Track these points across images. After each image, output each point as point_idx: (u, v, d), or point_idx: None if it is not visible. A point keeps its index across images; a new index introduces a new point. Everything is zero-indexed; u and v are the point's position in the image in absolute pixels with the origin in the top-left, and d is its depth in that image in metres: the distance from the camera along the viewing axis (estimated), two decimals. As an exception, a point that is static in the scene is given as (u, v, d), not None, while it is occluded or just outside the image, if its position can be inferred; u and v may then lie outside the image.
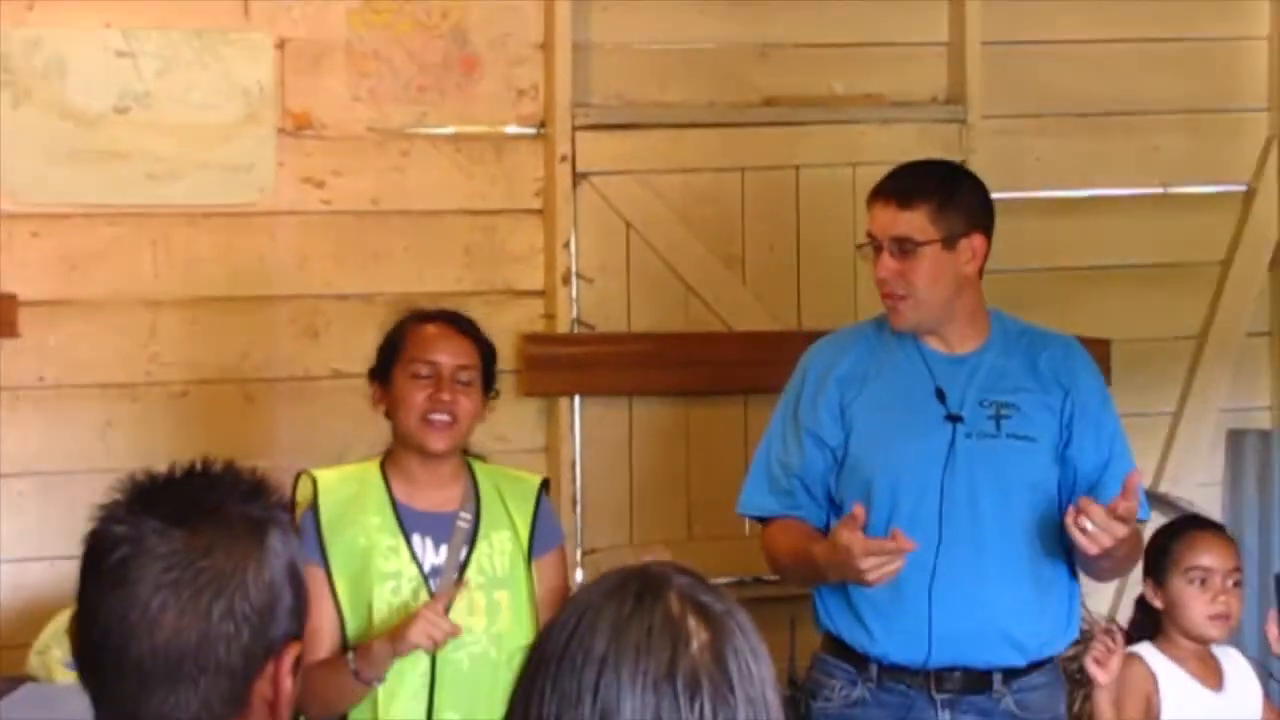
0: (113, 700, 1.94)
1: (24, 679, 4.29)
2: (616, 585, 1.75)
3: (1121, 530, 3.65)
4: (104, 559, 1.93)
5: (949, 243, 3.85)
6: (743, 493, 4.12)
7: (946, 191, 3.91)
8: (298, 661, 2.00)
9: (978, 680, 3.88)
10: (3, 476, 4.83)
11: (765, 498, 4.07)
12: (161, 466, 2.03)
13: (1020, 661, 3.89)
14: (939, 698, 3.87)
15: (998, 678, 3.88)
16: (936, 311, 3.91)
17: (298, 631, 2.00)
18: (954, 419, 3.90)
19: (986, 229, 3.92)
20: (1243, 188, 5.66)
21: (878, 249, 3.89)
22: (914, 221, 3.85)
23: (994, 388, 3.94)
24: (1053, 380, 3.94)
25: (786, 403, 4.09)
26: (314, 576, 3.61)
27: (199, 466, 2.04)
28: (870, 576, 3.62)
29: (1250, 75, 5.66)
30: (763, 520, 4.11)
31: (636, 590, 1.74)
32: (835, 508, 4.00)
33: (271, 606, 1.95)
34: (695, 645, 1.70)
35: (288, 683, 1.97)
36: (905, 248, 3.84)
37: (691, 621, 1.71)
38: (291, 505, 3.73)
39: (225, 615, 1.91)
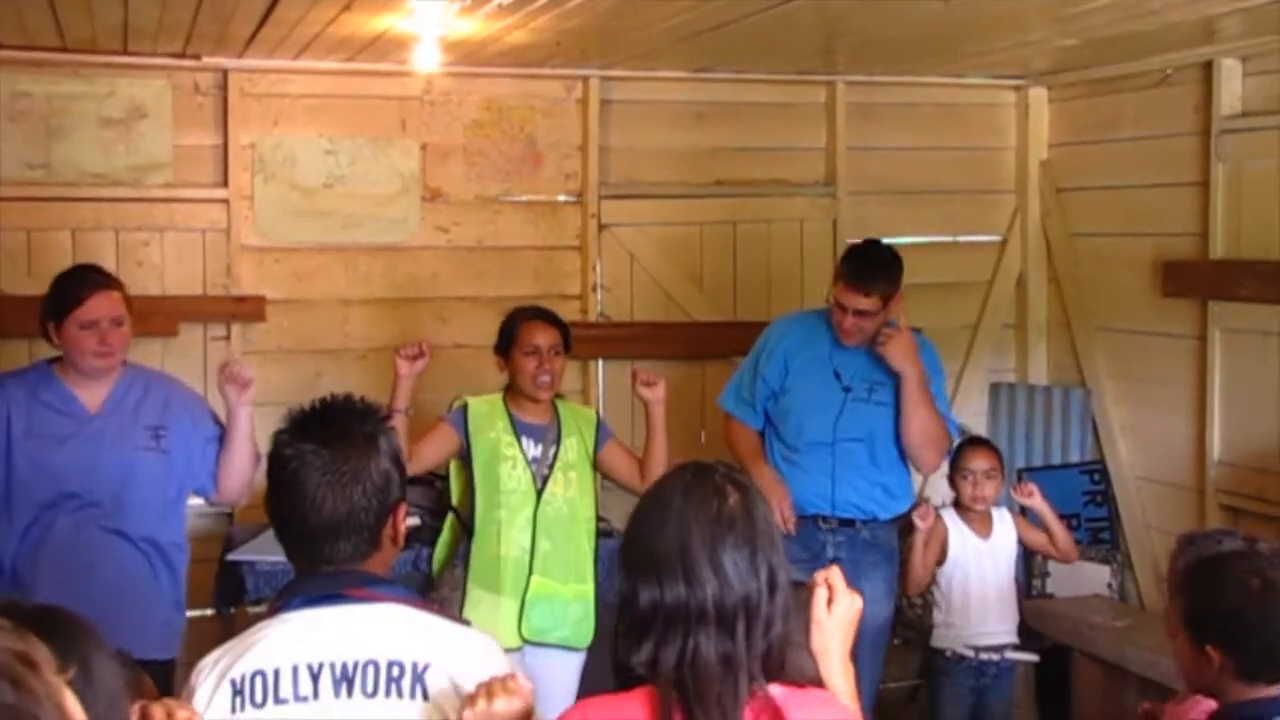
0: (300, 550, 2.03)
1: (268, 525, 4.57)
2: (683, 470, 1.84)
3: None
4: (283, 470, 2.01)
5: (884, 306, 3.99)
6: (722, 394, 4.33)
7: (888, 281, 3.97)
8: (405, 511, 2.08)
9: (848, 524, 4.12)
10: (258, 404, 4.53)
11: (730, 401, 4.28)
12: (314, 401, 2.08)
13: (867, 518, 4.14)
14: (826, 529, 4.11)
15: (859, 523, 4.12)
16: (870, 338, 4.04)
17: (403, 494, 2.06)
18: (846, 390, 4.10)
19: (900, 289, 4.02)
20: (999, 238, 5.79)
21: (844, 309, 3.98)
22: (870, 303, 3.96)
23: (873, 371, 4.09)
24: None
25: (755, 350, 4.25)
26: (447, 434, 3.83)
27: (330, 400, 2.09)
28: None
29: (1003, 170, 5.76)
30: (726, 412, 4.30)
31: (695, 471, 1.82)
32: (769, 422, 4.21)
33: (387, 484, 2.03)
34: (731, 500, 1.78)
35: (401, 526, 2.07)
36: (862, 313, 3.98)
37: (729, 487, 1.80)
38: (464, 412, 3.85)
39: (361, 495, 2.00)
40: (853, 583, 3.83)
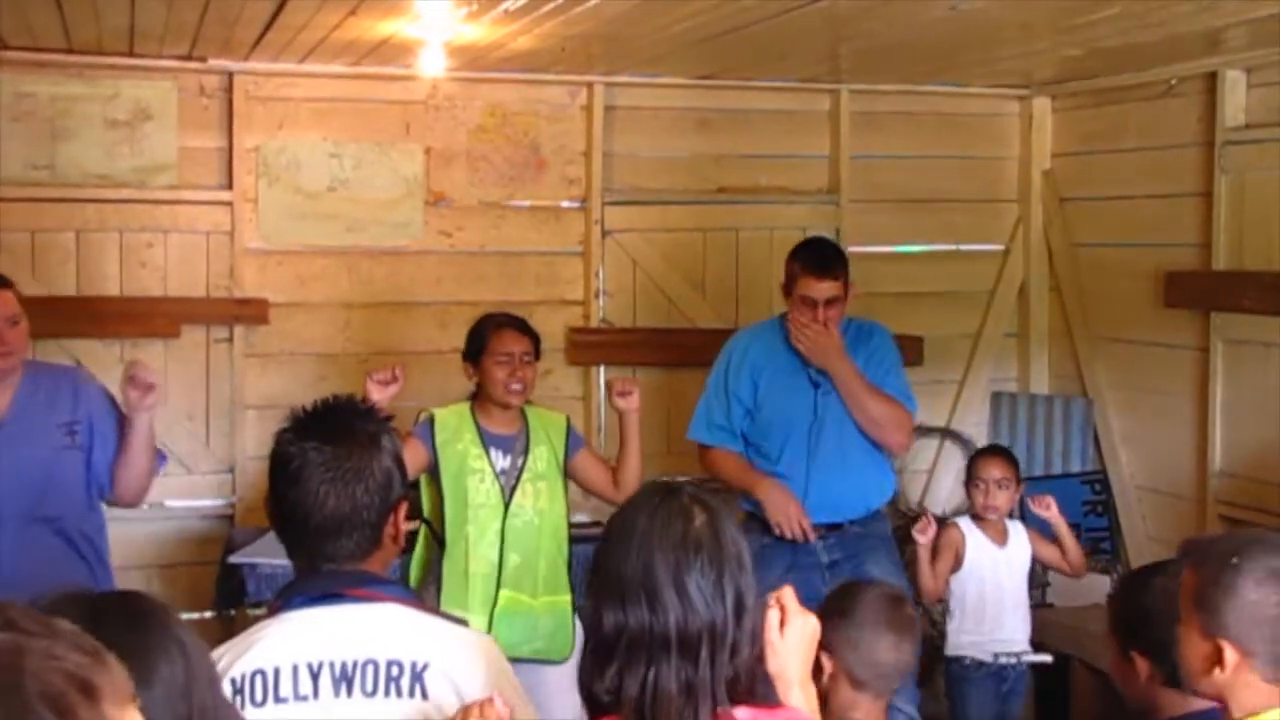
0: (302, 548, 2.03)
1: (269, 528, 4.62)
2: (650, 491, 1.81)
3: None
4: (286, 468, 2.01)
5: (844, 293, 4.06)
6: (691, 427, 4.28)
7: (844, 265, 4.08)
8: (406, 510, 2.09)
9: (834, 527, 4.08)
10: (260, 408, 5.02)
11: (704, 432, 4.23)
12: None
13: (854, 515, 4.11)
14: (816, 535, 4.03)
15: (846, 523, 4.09)
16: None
17: (404, 493, 2.08)
18: (815, 384, 4.09)
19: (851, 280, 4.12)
20: (1002, 247, 5.79)
21: (814, 304, 4.01)
22: (835, 286, 4.02)
23: None
24: (863, 345, 4.13)
25: (719, 372, 4.22)
26: (414, 448, 3.63)
27: (332, 400, 2.09)
28: (783, 527, 3.93)
29: (1007, 179, 5.77)
30: (701, 444, 4.26)
31: (662, 493, 1.79)
32: (747, 441, 4.18)
33: (389, 482, 2.04)
34: (698, 523, 1.74)
35: (402, 525, 2.08)
36: (831, 301, 4.02)
37: (695, 509, 1.75)
38: (430, 425, 3.76)
39: (364, 493, 2.00)
40: (859, 575, 3.76)
